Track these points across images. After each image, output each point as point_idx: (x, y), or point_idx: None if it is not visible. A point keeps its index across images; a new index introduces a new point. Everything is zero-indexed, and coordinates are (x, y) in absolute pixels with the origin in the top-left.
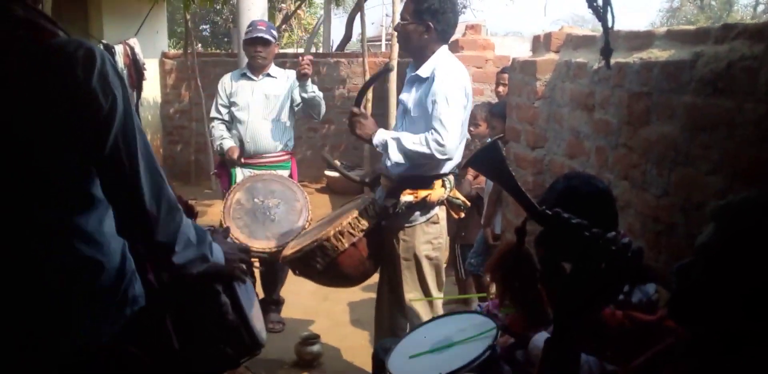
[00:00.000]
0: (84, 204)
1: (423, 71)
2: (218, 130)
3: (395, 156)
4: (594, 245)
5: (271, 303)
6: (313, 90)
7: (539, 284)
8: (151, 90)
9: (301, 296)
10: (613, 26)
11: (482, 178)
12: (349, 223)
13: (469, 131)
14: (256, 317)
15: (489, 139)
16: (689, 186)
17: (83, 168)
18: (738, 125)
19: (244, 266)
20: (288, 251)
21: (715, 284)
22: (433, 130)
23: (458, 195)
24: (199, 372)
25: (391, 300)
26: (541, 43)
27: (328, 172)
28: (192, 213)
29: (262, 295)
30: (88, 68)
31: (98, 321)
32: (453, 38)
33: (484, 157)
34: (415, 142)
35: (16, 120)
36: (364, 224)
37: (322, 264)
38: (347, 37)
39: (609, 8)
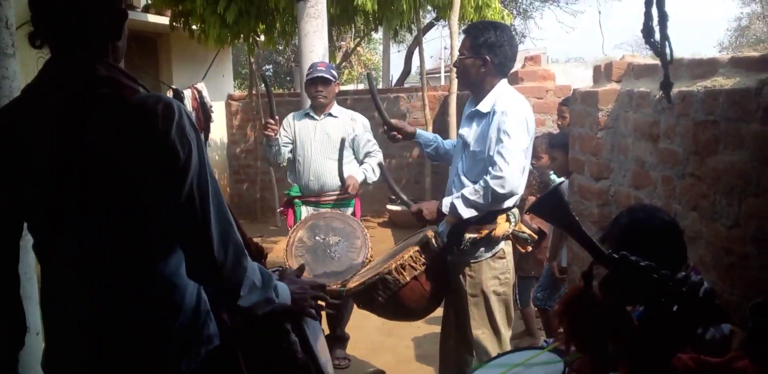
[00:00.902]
0: (163, 250)
1: (483, 106)
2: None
3: (467, 212)
4: (664, 288)
5: (336, 339)
6: (374, 174)
7: (606, 330)
8: (218, 131)
9: (366, 331)
10: (671, 60)
11: None
12: (411, 257)
13: (531, 164)
14: (322, 352)
15: (551, 171)
16: (761, 216)
17: (161, 214)
18: None
19: (314, 303)
20: (352, 283)
21: None
22: (490, 166)
23: (524, 228)
24: None
25: (458, 337)
26: (602, 72)
27: (390, 206)
28: (261, 255)
29: (327, 332)
30: (168, 121)
31: (176, 359)
32: (512, 70)
33: (546, 203)
34: (477, 190)
35: (104, 172)
36: (426, 258)
37: (384, 297)
38: (406, 71)
39: (667, 42)
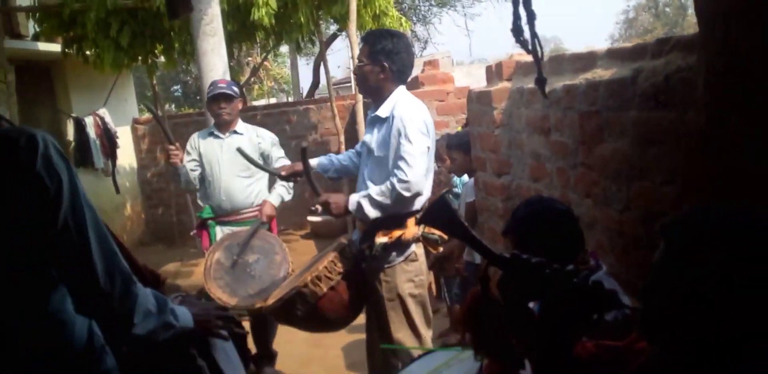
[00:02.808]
0: (45, 285)
1: (382, 111)
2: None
3: (372, 212)
4: (556, 282)
5: (265, 357)
6: (289, 193)
7: (509, 329)
8: (127, 156)
9: (293, 345)
10: (542, 56)
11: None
12: (326, 267)
13: (437, 166)
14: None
15: (451, 173)
16: (647, 198)
17: (38, 249)
18: (683, 135)
19: (220, 323)
20: (270, 300)
21: (674, 301)
22: (395, 169)
23: (433, 230)
24: None
25: (381, 342)
26: (493, 72)
27: (311, 218)
28: (158, 282)
29: (254, 350)
30: (31, 153)
31: None
32: (413, 75)
33: (435, 213)
34: (383, 191)
35: None
36: (341, 267)
37: (303, 310)
38: (315, 82)
39: (537, 41)
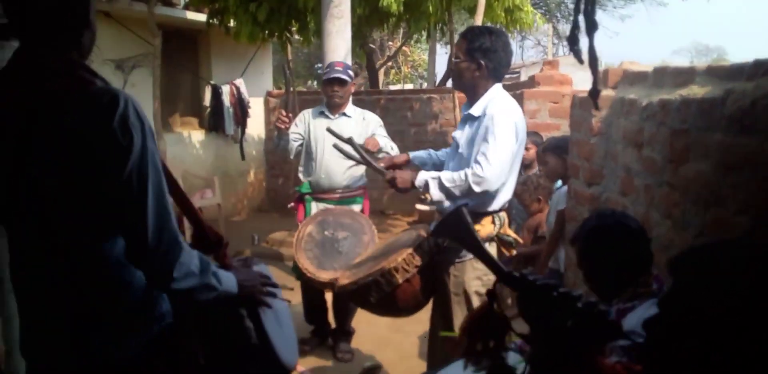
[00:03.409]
0: (109, 231)
1: (475, 110)
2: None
3: (436, 194)
4: (560, 305)
5: (342, 333)
6: (392, 150)
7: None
8: (256, 126)
9: (375, 327)
10: (597, 65)
11: (542, 215)
12: (404, 259)
13: (539, 171)
14: (287, 342)
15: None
16: (720, 226)
17: (105, 198)
18: (761, 164)
19: (264, 291)
20: (344, 280)
21: (676, 336)
22: (474, 163)
23: (509, 232)
24: None
25: (443, 351)
26: (600, 79)
27: (419, 206)
28: (220, 244)
29: (334, 326)
30: (111, 111)
31: (127, 335)
32: (531, 73)
33: (449, 224)
34: (455, 178)
35: (53, 160)
36: (418, 260)
37: (376, 297)
38: (449, 72)
39: (593, 52)
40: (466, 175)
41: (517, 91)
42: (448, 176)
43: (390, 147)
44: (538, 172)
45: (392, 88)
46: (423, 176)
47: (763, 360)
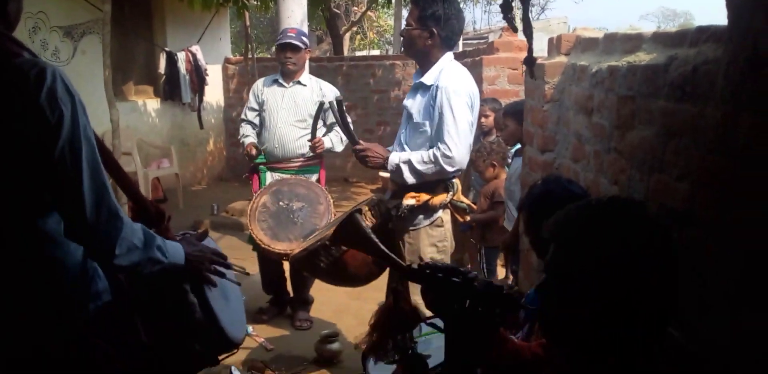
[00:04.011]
0: (41, 208)
1: (427, 78)
2: (244, 129)
3: (409, 177)
4: (459, 289)
5: (300, 301)
6: (341, 145)
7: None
8: (215, 94)
9: (333, 294)
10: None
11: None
12: None
13: (480, 123)
14: (235, 316)
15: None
16: (662, 192)
17: (37, 175)
18: (700, 131)
19: (212, 267)
20: (296, 250)
21: (564, 301)
22: (439, 144)
23: (462, 198)
24: (171, 367)
25: (398, 303)
26: (554, 45)
27: (382, 174)
28: (162, 218)
29: (291, 294)
30: (38, 86)
31: (61, 314)
32: (491, 39)
33: (346, 232)
34: (425, 160)
35: None
36: (369, 225)
37: (326, 263)
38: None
39: (529, 21)
40: (436, 157)
41: (476, 57)
42: (417, 158)
43: (339, 143)
44: (496, 139)
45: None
46: (393, 160)
47: (646, 314)
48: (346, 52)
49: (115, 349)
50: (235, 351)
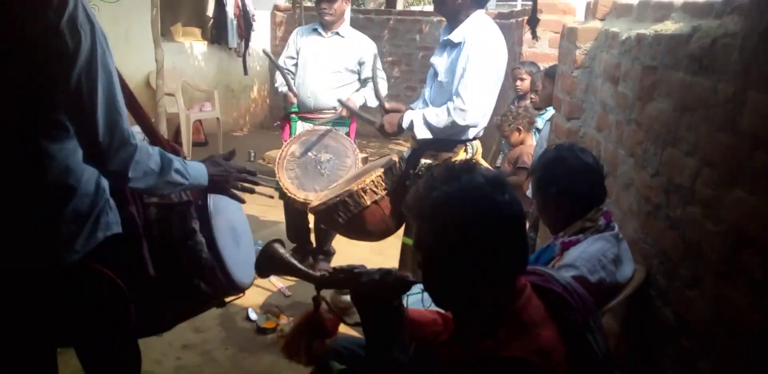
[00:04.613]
0: (58, 133)
1: (455, 36)
2: (280, 78)
3: (421, 132)
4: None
5: (322, 252)
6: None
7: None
8: (262, 41)
9: (357, 248)
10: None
11: (524, 147)
12: (372, 181)
13: (515, 86)
14: (243, 262)
15: (527, 103)
16: (672, 167)
17: (54, 99)
18: (711, 106)
19: (238, 184)
20: (315, 202)
21: (433, 270)
22: (455, 96)
23: (481, 161)
24: (177, 303)
25: (416, 259)
26: (590, 9)
27: None
28: (176, 155)
29: (314, 245)
30: (60, 11)
31: (69, 240)
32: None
33: (264, 263)
34: (438, 114)
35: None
36: (388, 182)
37: (344, 218)
38: None
39: None
40: (448, 110)
41: (518, 18)
42: (431, 112)
43: (373, 98)
44: (530, 103)
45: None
46: (408, 116)
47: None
48: (401, 6)
49: (122, 280)
50: (242, 295)
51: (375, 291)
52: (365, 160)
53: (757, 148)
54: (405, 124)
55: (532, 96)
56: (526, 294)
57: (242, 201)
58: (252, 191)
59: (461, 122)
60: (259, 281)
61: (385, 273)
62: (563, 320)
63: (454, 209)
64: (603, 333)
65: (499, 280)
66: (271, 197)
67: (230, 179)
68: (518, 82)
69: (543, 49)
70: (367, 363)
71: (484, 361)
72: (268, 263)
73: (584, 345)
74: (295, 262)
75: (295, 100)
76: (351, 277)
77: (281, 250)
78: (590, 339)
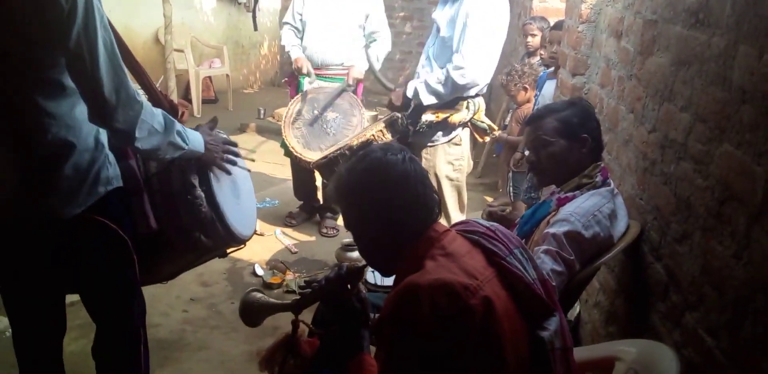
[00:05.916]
0: (55, 91)
1: None
2: (287, 36)
3: (427, 99)
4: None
5: (329, 210)
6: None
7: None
8: None
9: None
10: None
11: (530, 105)
12: (374, 135)
13: (526, 43)
14: (244, 214)
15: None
16: (668, 122)
17: (52, 59)
18: (706, 60)
19: (226, 156)
20: (317, 156)
21: (367, 244)
22: (455, 54)
23: (483, 118)
24: (179, 253)
25: None
26: None
27: None
28: (175, 113)
29: (321, 202)
30: None
31: (71, 194)
32: None
33: (247, 316)
34: (439, 79)
35: None
36: (388, 137)
37: None
38: None
39: None
40: (447, 72)
41: None
42: (433, 78)
43: (376, 61)
44: (540, 60)
45: None
46: (411, 85)
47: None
48: None
49: (125, 232)
50: (243, 246)
51: (336, 290)
52: (375, 119)
53: (745, 102)
54: (410, 93)
55: (542, 52)
56: (450, 236)
57: (229, 172)
58: (236, 163)
59: (461, 81)
60: (267, 238)
61: (337, 269)
62: (488, 250)
63: (357, 178)
64: (534, 264)
65: (416, 231)
66: (252, 160)
67: (220, 150)
68: (528, 38)
69: (554, 4)
70: (345, 348)
71: (412, 284)
72: (251, 316)
73: (511, 268)
74: (271, 300)
75: (305, 71)
76: (316, 289)
77: (252, 300)
78: (515, 263)
